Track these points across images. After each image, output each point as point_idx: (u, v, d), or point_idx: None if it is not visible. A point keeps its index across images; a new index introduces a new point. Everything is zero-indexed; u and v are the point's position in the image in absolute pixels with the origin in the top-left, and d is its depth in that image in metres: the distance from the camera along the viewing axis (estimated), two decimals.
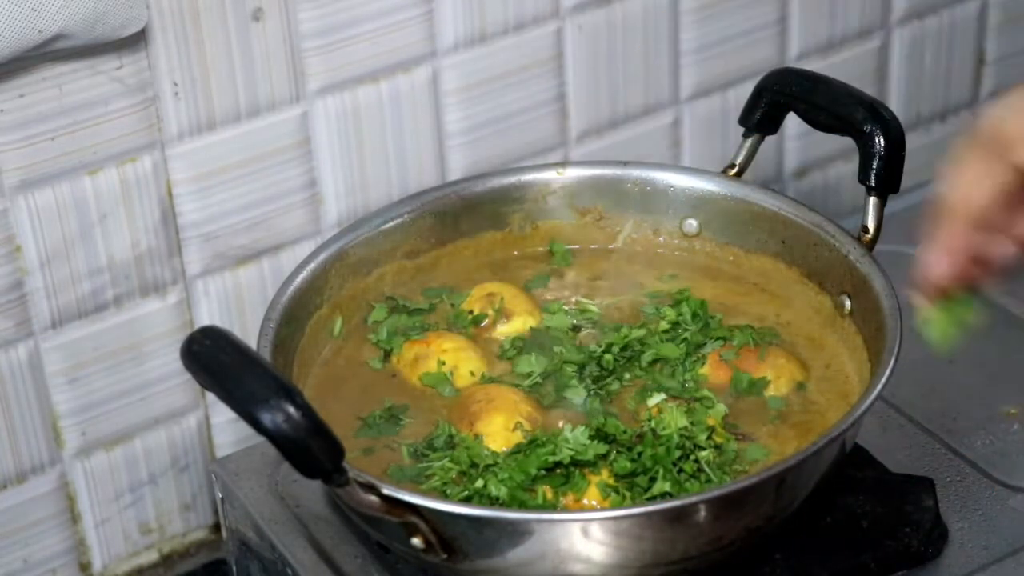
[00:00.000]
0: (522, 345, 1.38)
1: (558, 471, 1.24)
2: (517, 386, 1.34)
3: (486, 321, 1.41)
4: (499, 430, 1.28)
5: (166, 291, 1.51)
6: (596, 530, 1.16)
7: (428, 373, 1.35)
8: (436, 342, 1.37)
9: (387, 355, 1.39)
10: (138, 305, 1.50)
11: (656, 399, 1.31)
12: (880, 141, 1.33)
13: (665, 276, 1.46)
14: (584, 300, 1.44)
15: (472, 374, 1.36)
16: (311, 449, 1.10)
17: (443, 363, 1.36)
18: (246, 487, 1.39)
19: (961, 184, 0.98)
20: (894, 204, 1.39)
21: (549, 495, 1.22)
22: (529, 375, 1.34)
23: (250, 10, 1.44)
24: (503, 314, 1.41)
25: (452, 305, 1.43)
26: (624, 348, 1.36)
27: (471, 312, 1.41)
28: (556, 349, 1.37)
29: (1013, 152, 0.95)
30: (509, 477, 1.22)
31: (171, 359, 1.52)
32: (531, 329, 1.41)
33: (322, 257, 1.40)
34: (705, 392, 1.32)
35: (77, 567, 1.56)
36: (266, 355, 1.28)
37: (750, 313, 1.41)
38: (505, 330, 1.41)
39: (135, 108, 1.42)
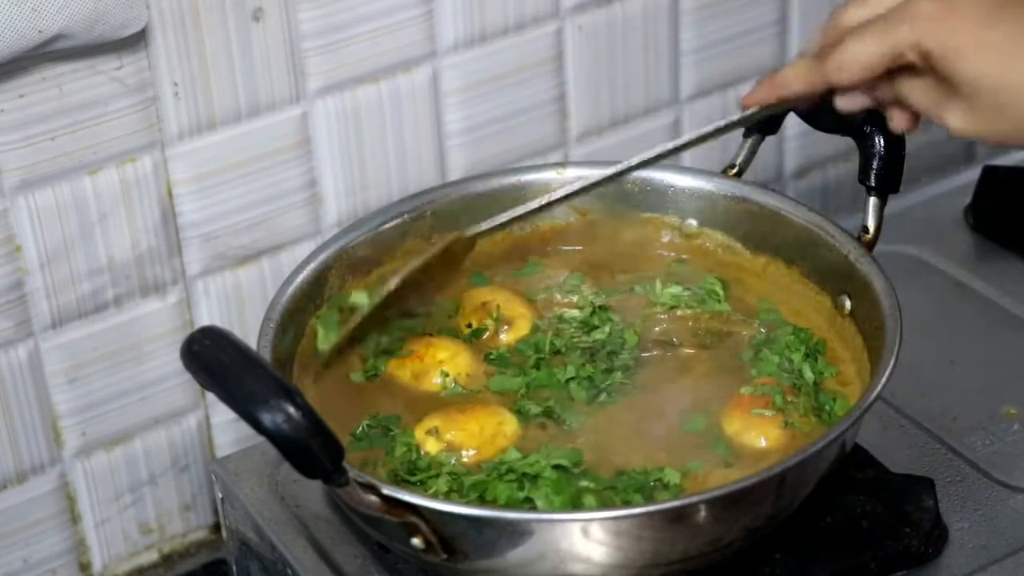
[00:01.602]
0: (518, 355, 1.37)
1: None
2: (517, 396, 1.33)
3: (487, 333, 1.40)
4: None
5: (166, 291, 1.51)
6: (596, 530, 1.16)
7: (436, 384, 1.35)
8: (428, 353, 1.36)
9: (375, 374, 1.38)
10: (138, 305, 1.50)
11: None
12: (880, 141, 1.33)
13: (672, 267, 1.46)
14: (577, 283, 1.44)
15: (469, 376, 1.36)
16: (311, 449, 1.10)
17: (446, 374, 1.35)
18: (246, 487, 1.39)
19: (788, 70, 1.27)
20: (894, 204, 1.39)
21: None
22: (515, 390, 1.34)
23: (250, 10, 1.44)
24: (503, 322, 1.40)
25: (449, 317, 1.42)
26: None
27: (469, 325, 1.41)
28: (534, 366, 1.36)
29: (832, 74, 1.22)
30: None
31: (171, 359, 1.52)
32: (534, 325, 1.40)
33: (322, 257, 1.39)
34: None
35: (77, 567, 1.56)
36: (266, 355, 1.28)
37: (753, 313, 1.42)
38: (508, 338, 1.40)
39: (135, 108, 1.42)
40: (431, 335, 1.38)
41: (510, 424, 1.29)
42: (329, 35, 1.49)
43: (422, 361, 1.36)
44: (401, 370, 1.36)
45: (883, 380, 1.22)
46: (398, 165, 1.58)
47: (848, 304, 1.36)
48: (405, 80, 1.55)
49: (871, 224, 1.36)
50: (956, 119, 1.18)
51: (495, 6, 1.57)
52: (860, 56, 1.20)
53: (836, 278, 1.37)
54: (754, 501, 1.19)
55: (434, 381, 1.35)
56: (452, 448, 1.27)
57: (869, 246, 1.36)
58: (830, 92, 1.26)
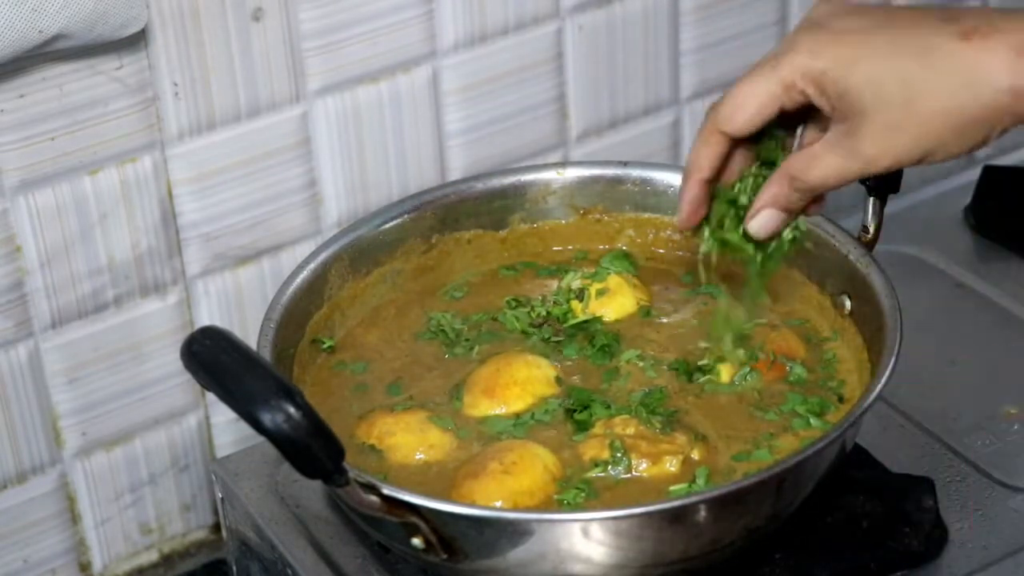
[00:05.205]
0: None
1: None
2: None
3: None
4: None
5: (166, 291, 1.51)
6: (596, 530, 1.16)
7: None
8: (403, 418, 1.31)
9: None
10: (138, 305, 1.50)
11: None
12: None
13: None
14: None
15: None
16: (311, 449, 1.10)
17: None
18: (246, 487, 1.39)
19: (694, 149, 1.24)
20: (894, 204, 1.39)
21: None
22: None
23: (250, 10, 1.44)
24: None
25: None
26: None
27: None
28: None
29: (724, 125, 1.20)
30: None
31: (171, 359, 1.52)
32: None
33: (322, 257, 1.40)
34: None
35: (77, 567, 1.56)
36: (266, 355, 1.28)
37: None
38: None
39: (135, 108, 1.42)
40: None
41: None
42: (329, 35, 1.49)
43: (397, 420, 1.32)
44: (390, 436, 1.31)
45: (883, 380, 1.22)
46: (398, 165, 1.58)
47: (848, 304, 1.36)
48: (405, 80, 1.55)
49: (871, 224, 1.36)
50: (869, 142, 1.14)
51: (495, 6, 1.57)
52: (752, 93, 1.18)
53: (836, 278, 1.37)
54: (754, 501, 1.19)
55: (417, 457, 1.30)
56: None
57: (869, 246, 1.36)
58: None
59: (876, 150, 1.14)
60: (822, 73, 1.14)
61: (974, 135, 1.12)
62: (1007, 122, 1.12)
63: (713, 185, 1.25)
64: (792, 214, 1.23)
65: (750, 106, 1.18)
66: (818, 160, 1.17)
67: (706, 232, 1.27)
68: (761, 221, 1.23)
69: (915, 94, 1.11)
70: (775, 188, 1.21)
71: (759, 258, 1.26)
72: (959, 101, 1.11)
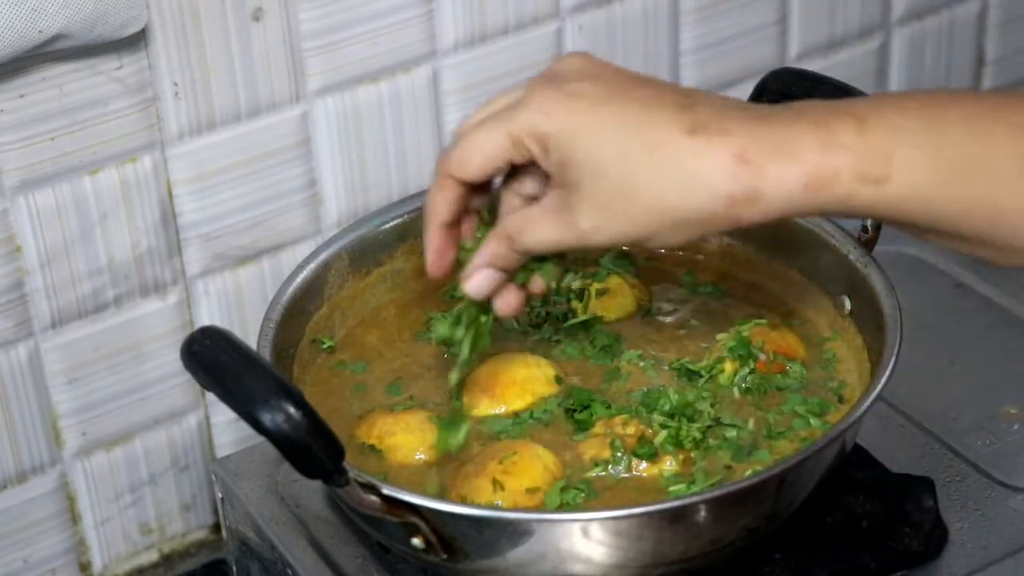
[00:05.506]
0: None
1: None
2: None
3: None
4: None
5: (166, 291, 1.51)
6: (596, 530, 1.16)
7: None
8: (403, 418, 1.31)
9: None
10: (138, 305, 1.50)
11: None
12: None
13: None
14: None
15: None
16: (311, 449, 1.10)
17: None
18: (246, 487, 1.39)
19: (429, 194, 1.20)
20: None
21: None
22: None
23: (250, 10, 1.44)
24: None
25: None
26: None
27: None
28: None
29: (455, 171, 1.17)
30: None
31: (171, 359, 1.52)
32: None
33: (322, 257, 1.40)
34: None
35: (77, 567, 1.56)
36: (266, 355, 1.28)
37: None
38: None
39: (135, 108, 1.43)
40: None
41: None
42: (329, 35, 1.49)
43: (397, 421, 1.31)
44: (389, 436, 1.31)
45: (883, 380, 1.22)
46: (398, 165, 1.58)
47: (848, 304, 1.36)
48: (405, 80, 1.55)
49: (871, 224, 1.36)
50: (584, 218, 1.11)
51: (495, 6, 1.57)
52: (481, 144, 1.15)
53: (836, 278, 1.37)
54: (754, 501, 1.19)
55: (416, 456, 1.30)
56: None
57: (869, 246, 1.36)
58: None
59: (590, 226, 1.11)
60: (546, 136, 1.12)
61: (688, 232, 1.10)
62: (723, 226, 1.09)
63: (456, 229, 1.22)
64: (510, 273, 1.20)
65: (478, 156, 1.15)
66: (534, 224, 1.15)
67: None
68: (476, 282, 1.20)
69: (632, 184, 1.09)
70: (493, 247, 1.18)
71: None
72: (674, 200, 1.08)
